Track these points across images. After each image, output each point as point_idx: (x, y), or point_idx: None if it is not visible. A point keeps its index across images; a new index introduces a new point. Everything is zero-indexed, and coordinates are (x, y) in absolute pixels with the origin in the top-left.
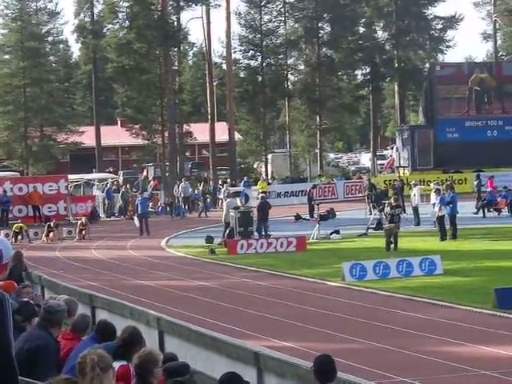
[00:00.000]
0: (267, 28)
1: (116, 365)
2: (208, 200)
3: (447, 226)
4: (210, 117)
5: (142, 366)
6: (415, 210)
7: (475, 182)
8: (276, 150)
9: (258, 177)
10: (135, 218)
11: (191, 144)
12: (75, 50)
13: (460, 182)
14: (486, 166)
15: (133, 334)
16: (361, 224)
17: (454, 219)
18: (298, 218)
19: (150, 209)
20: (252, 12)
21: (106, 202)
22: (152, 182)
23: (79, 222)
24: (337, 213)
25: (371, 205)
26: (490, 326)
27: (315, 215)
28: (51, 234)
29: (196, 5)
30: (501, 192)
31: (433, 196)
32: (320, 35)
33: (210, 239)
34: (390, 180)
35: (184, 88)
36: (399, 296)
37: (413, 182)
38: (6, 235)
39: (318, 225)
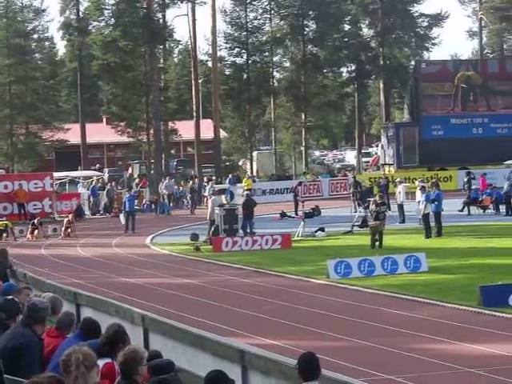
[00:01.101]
0: (253, 25)
1: (101, 362)
2: (189, 197)
3: (432, 224)
4: (195, 114)
5: (127, 364)
6: (400, 207)
7: (465, 179)
8: (261, 148)
9: (243, 175)
10: (121, 216)
11: (176, 141)
12: (61, 47)
13: (445, 179)
14: (471, 164)
15: (117, 332)
16: (346, 221)
17: (439, 217)
18: (283, 215)
19: (135, 206)
20: (237, 9)
21: (91, 199)
22: (137, 180)
23: (65, 219)
24: (322, 210)
25: (356, 202)
26: (475, 323)
27: (300, 213)
28: (36, 232)
29: (181, 2)
30: (486, 190)
31: (418, 193)
32: (305, 33)
33: (195, 237)
34: (375, 177)
35: (169, 85)
36: (384, 293)
37: (398, 179)
38: None
39: (302, 222)
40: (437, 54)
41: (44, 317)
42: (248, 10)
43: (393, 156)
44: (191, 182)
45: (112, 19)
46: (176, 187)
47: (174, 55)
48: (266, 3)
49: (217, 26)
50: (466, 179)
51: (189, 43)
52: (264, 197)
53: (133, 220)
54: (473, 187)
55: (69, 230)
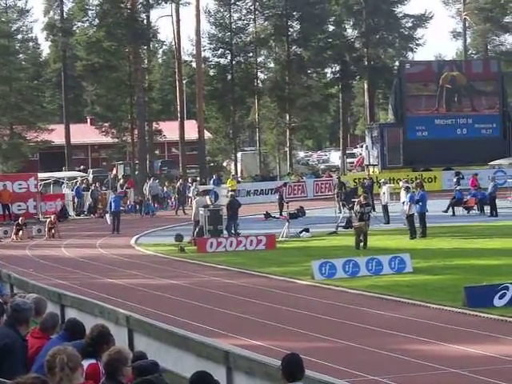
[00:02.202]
0: (237, 26)
1: (85, 363)
2: (176, 198)
3: (417, 225)
4: (179, 115)
5: (111, 365)
6: (385, 208)
7: (454, 180)
8: (246, 149)
9: (227, 175)
10: (107, 216)
11: (161, 142)
12: (45, 47)
13: (430, 180)
14: (456, 165)
15: (102, 333)
16: (330, 222)
17: (423, 217)
18: (267, 216)
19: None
20: (221, 10)
21: (76, 200)
22: (122, 181)
23: (48, 220)
24: (306, 211)
25: (341, 203)
26: (460, 324)
27: (285, 213)
28: (20, 233)
29: (166, 3)
30: (470, 190)
31: (402, 194)
32: (289, 33)
33: (179, 237)
34: (359, 178)
35: (153, 86)
36: (369, 294)
37: (382, 180)
38: None
39: (287, 223)
40: (421, 54)
41: (28, 317)
42: (232, 10)
43: (377, 157)
44: (178, 182)
45: (96, 20)
46: (160, 188)
47: (159, 56)
48: (250, 4)
49: (201, 27)
50: (455, 179)
51: (173, 44)
52: (248, 197)
53: (118, 221)
54: (457, 188)
55: (53, 230)
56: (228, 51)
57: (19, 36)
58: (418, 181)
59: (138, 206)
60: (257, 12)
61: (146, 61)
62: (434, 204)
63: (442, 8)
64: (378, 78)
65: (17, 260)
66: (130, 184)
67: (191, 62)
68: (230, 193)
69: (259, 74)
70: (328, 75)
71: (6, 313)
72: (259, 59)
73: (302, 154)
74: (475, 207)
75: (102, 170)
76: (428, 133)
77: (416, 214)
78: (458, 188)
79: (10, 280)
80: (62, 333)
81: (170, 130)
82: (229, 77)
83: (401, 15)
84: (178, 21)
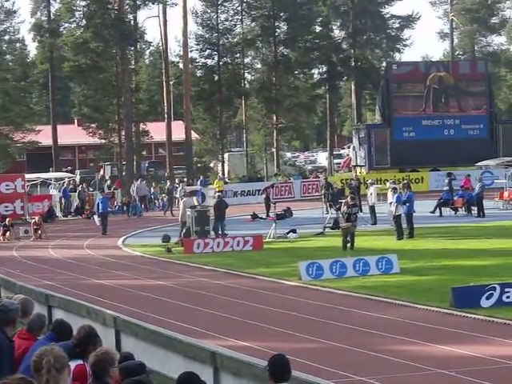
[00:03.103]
0: (224, 27)
1: (72, 364)
2: (165, 199)
3: (404, 225)
4: (166, 116)
5: (98, 365)
6: (372, 209)
7: (446, 180)
8: (233, 149)
9: (213, 176)
10: (95, 217)
11: (148, 143)
12: (32, 48)
13: (417, 180)
14: (443, 165)
15: (89, 334)
16: (318, 223)
17: (410, 218)
18: (254, 217)
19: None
20: (209, 11)
21: (63, 201)
22: (109, 182)
23: (32, 221)
24: (293, 212)
25: (328, 204)
26: (447, 325)
27: (272, 214)
28: (7, 234)
29: (153, 3)
30: (457, 191)
31: (389, 195)
32: (276, 34)
33: (166, 238)
34: (346, 179)
35: (140, 87)
36: (356, 295)
37: (369, 180)
38: None
39: (274, 224)
40: (408, 55)
41: (14, 318)
42: (219, 11)
43: (364, 157)
44: (167, 183)
45: (83, 21)
46: (147, 189)
47: (146, 57)
48: (237, 5)
49: (188, 28)
50: (447, 180)
51: (160, 45)
52: (236, 198)
53: (105, 221)
54: (445, 189)
55: (39, 231)
56: (215, 52)
57: (6, 37)
58: (406, 181)
59: (125, 207)
60: (244, 13)
61: (133, 62)
62: (422, 205)
63: (430, 9)
64: (365, 79)
65: (4, 261)
66: (117, 185)
67: (178, 62)
68: (217, 193)
69: (246, 74)
70: (315, 76)
71: None
72: (246, 60)
73: (289, 154)
74: (462, 208)
75: (89, 170)
76: (415, 133)
77: (403, 214)
78: (445, 189)
79: None
80: (49, 334)
81: (157, 131)
82: (216, 78)
83: (388, 16)
84: (165, 22)
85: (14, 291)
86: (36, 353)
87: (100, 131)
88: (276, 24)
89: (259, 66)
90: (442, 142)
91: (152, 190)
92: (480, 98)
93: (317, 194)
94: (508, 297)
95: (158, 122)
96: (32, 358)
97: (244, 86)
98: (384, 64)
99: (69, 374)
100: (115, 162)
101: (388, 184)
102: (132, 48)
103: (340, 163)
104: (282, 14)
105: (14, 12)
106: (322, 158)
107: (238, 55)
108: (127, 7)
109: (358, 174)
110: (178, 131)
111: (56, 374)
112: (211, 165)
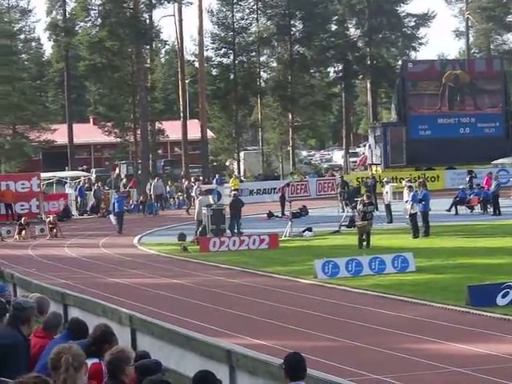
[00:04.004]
0: (239, 26)
1: (88, 363)
2: (181, 198)
3: (420, 224)
4: (182, 114)
5: (114, 364)
6: (388, 207)
7: (467, 178)
8: (248, 148)
9: (230, 174)
10: (111, 216)
11: (163, 142)
12: (47, 47)
13: (432, 179)
14: (459, 164)
15: (105, 332)
16: (333, 221)
17: (426, 216)
18: (270, 215)
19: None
20: (224, 10)
21: (79, 199)
22: (125, 180)
23: (47, 220)
24: (309, 210)
25: (344, 202)
26: (463, 323)
27: (287, 213)
28: (23, 232)
29: (168, 2)
30: (474, 189)
31: (405, 193)
32: (292, 33)
33: (182, 237)
34: (362, 177)
35: (156, 86)
36: (372, 293)
37: (385, 179)
38: None
39: (290, 222)
40: (424, 53)
41: (29, 316)
42: (235, 10)
43: (380, 156)
44: (186, 182)
45: (98, 19)
46: (164, 188)
47: (161, 55)
48: (252, 3)
49: (203, 27)
50: (467, 178)
51: (175, 43)
52: (251, 197)
53: (121, 220)
54: (461, 187)
55: (54, 230)
56: (231, 51)
57: (22, 36)
58: (421, 180)
59: (141, 206)
60: (259, 11)
61: (148, 60)
62: (437, 203)
63: (445, 7)
64: (380, 78)
65: (19, 260)
66: (133, 184)
67: (194, 61)
68: (233, 192)
69: (262, 73)
70: (331, 74)
71: (9, 312)
72: (262, 59)
73: (304, 153)
74: (478, 206)
75: (104, 169)
76: (431, 132)
77: (419, 212)
78: (461, 187)
79: (13, 280)
80: (65, 332)
81: (172, 130)
82: (231, 76)
83: (403, 14)
84: (181, 20)
85: (29, 290)
86: (54, 350)
87: (116, 130)
88: (292, 22)
89: (275, 64)
90: (457, 141)
91: (168, 188)
92: (495, 96)
93: (332, 192)
94: None
95: (173, 120)
96: (50, 355)
97: (260, 84)
98: (399, 62)
99: (86, 372)
100: (131, 161)
101: (404, 182)
102: (147, 47)
103: (356, 161)
104: (297, 13)
105: (30, 11)
106: (337, 156)
107: (254, 54)
108: (143, 6)
109: (373, 172)
110: (194, 130)
111: (74, 372)
112: (227, 163)
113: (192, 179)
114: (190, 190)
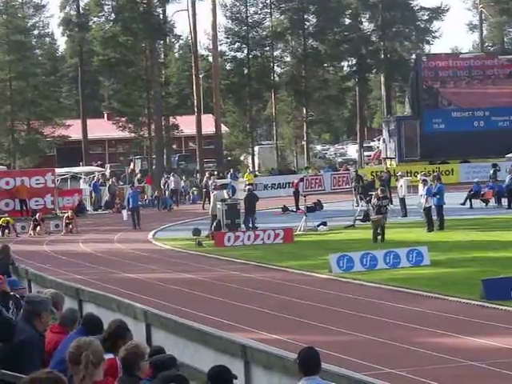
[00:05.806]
0: (253, 20)
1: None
2: (195, 192)
3: (434, 217)
4: (196, 109)
5: (129, 359)
6: (402, 201)
7: (491, 171)
8: (263, 142)
9: (244, 169)
10: (124, 212)
11: (178, 136)
12: (61, 43)
13: (447, 172)
14: (473, 157)
15: (119, 328)
16: (348, 216)
17: (441, 210)
18: (284, 209)
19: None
20: (238, 4)
21: (93, 195)
22: (139, 176)
23: (65, 215)
24: (324, 204)
25: (358, 196)
26: (478, 317)
27: (302, 207)
28: (38, 228)
29: None
30: (488, 183)
31: (420, 187)
32: (306, 27)
33: (197, 232)
34: (376, 171)
35: (170, 80)
36: (387, 287)
37: (399, 173)
38: None
39: (305, 217)
40: (437, 47)
41: (41, 311)
42: (248, 4)
43: (394, 150)
44: (205, 177)
45: (112, 15)
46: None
47: (175, 50)
48: None
49: (217, 21)
50: (491, 171)
51: (189, 38)
52: (266, 191)
53: (138, 215)
54: (476, 180)
55: (70, 226)
56: (244, 45)
57: (35, 31)
58: (436, 173)
59: (155, 201)
60: (273, 6)
61: (162, 55)
62: (452, 197)
63: (458, 1)
64: (394, 71)
65: (34, 255)
66: (147, 182)
67: (208, 56)
68: (248, 187)
69: (276, 67)
70: (344, 69)
71: (22, 308)
72: (276, 53)
73: (319, 147)
74: (493, 199)
75: (119, 164)
76: (445, 125)
77: (433, 206)
78: (476, 180)
79: (28, 275)
80: (80, 328)
81: (186, 125)
82: (245, 71)
83: (417, 8)
84: (194, 15)
85: (44, 285)
86: (73, 344)
87: (130, 125)
88: (305, 17)
89: (288, 58)
90: (471, 134)
91: (182, 183)
92: (510, 90)
93: (347, 186)
94: None
95: (187, 115)
96: (69, 349)
97: (273, 79)
98: (413, 56)
99: (103, 367)
100: (145, 156)
101: (418, 176)
102: (161, 42)
103: (370, 156)
104: (310, 7)
105: (43, 6)
106: (352, 150)
107: (268, 48)
108: (156, 1)
109: (388, 166)
110: (208, 124)
111: (93, 369)
112: (241, 158)
113: (207, 174)
114: (209, 185)
